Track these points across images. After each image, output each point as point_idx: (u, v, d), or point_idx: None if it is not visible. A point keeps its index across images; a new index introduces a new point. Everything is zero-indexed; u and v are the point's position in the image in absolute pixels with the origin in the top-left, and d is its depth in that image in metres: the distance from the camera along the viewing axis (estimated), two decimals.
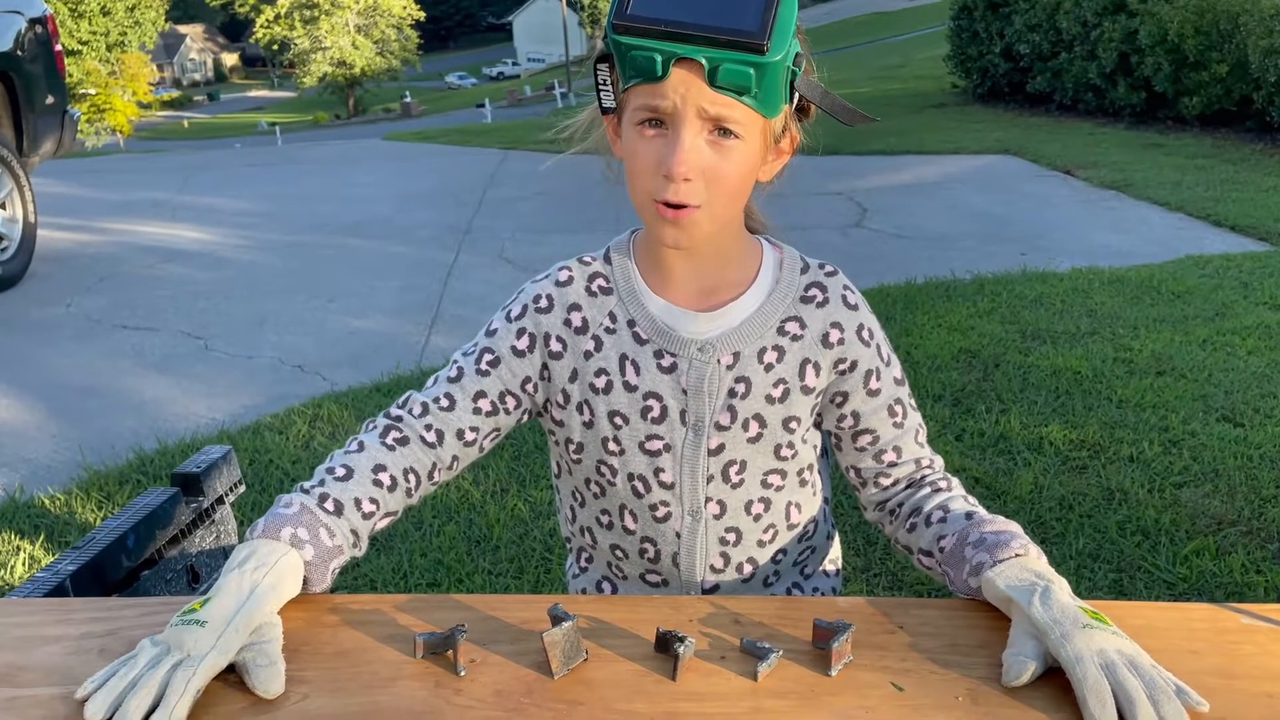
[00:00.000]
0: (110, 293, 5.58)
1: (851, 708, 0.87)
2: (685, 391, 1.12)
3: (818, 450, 1.22)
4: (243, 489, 1.45)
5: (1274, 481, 3.02)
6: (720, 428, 1.13)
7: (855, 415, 1.16)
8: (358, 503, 1.06)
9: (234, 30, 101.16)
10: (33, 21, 5.79)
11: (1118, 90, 10.70)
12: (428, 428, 1.14)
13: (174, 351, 4.63)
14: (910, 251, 6.01)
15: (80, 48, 46.28)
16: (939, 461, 1.19)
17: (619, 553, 1.22)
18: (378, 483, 1.09)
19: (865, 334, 1.14)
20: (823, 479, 1.26)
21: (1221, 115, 9.74)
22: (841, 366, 1.14)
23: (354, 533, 1.05)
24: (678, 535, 1.17)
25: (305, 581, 1.00)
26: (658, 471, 1.15)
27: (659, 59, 0.97)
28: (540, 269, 1.21)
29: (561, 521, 1.31)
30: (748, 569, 1.20)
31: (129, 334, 4.87)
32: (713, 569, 1.19)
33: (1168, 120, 10.31)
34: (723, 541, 1.18)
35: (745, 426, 1.13)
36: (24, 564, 2.85)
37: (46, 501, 3.20)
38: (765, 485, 1.17)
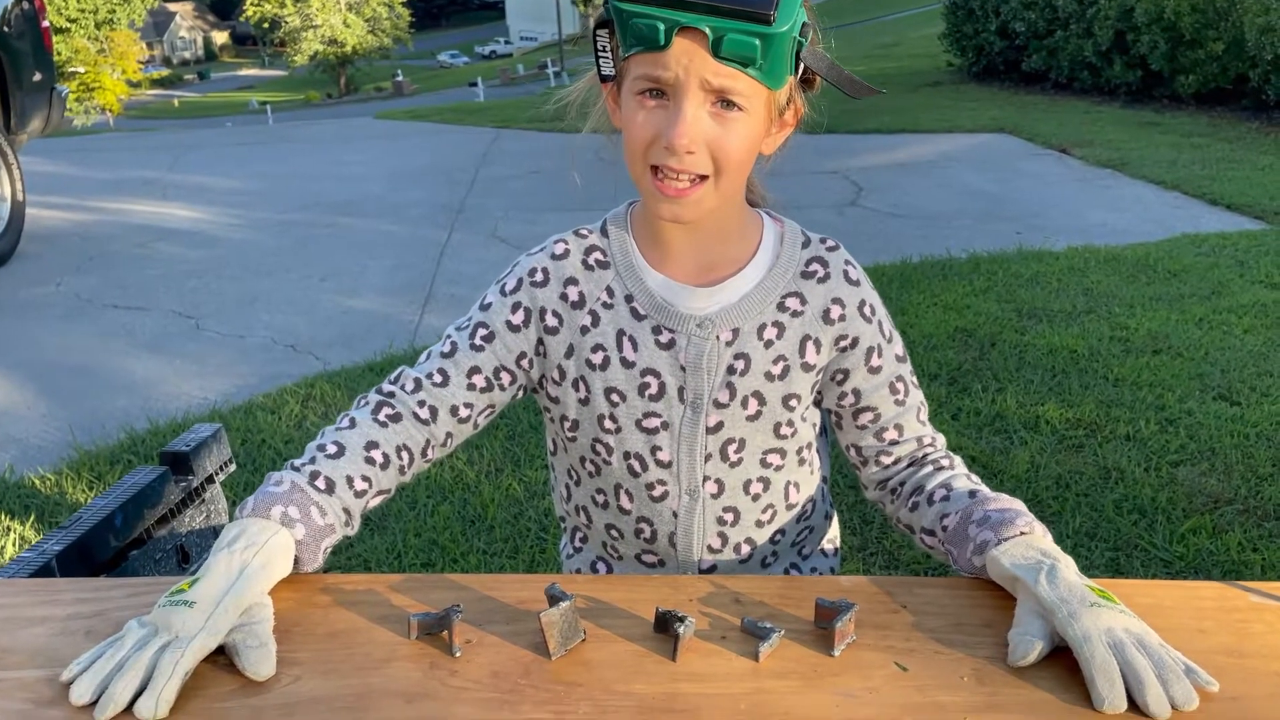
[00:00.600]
0: (100, 272, 5.54)
1: (855, 688, 0.85)
2: (684, 368, 1.10)
3: (817, 429, 1.20)
4: (233, 468, 1.43)
5: (1270, 460, 3.02)
6: (719, 405, 1.11)
7: (856, 393, 1.14)
8: (350, 480, 1.04)
9: (224, 8, 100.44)
10: None
11: (1113, 68, 10.65)
12: (421, 404, 1.12)
13: (165, 331, 4.60)
14: (906, 230, 5.98)
15: (68, 25, 45.86)
16: (941, 440, 1.18)
17: (614, 532, 1.20)
18: (370, 460, 1.06)
19: (867, 310, 1.12)
20: (821, 458, 1.24)
21: (1217, 93, 9.71)
22: (843, 343, 1.11)
23: (346, 511, 1.03)
24: (675, 515, 1.15)
25: (296, 561, 0.98)
26: (655, 450, 1.13)
27: (661, 27, 0.94)
28: (532, 248, 1.18)
29: (556, 500, 1.29)
30: (745, 549, 1.18)
31: (120, 313, 4.83)
32: (710, 549, 1.17)
33: (1164, 98, 10.27)
34: (720, 521, 1.16)
35: (744, 404, 1.11)
36: (14, 544, 2.83)
37: (36, 482, 3.17)
38: (764, 464, 1.15)
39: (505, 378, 1.14)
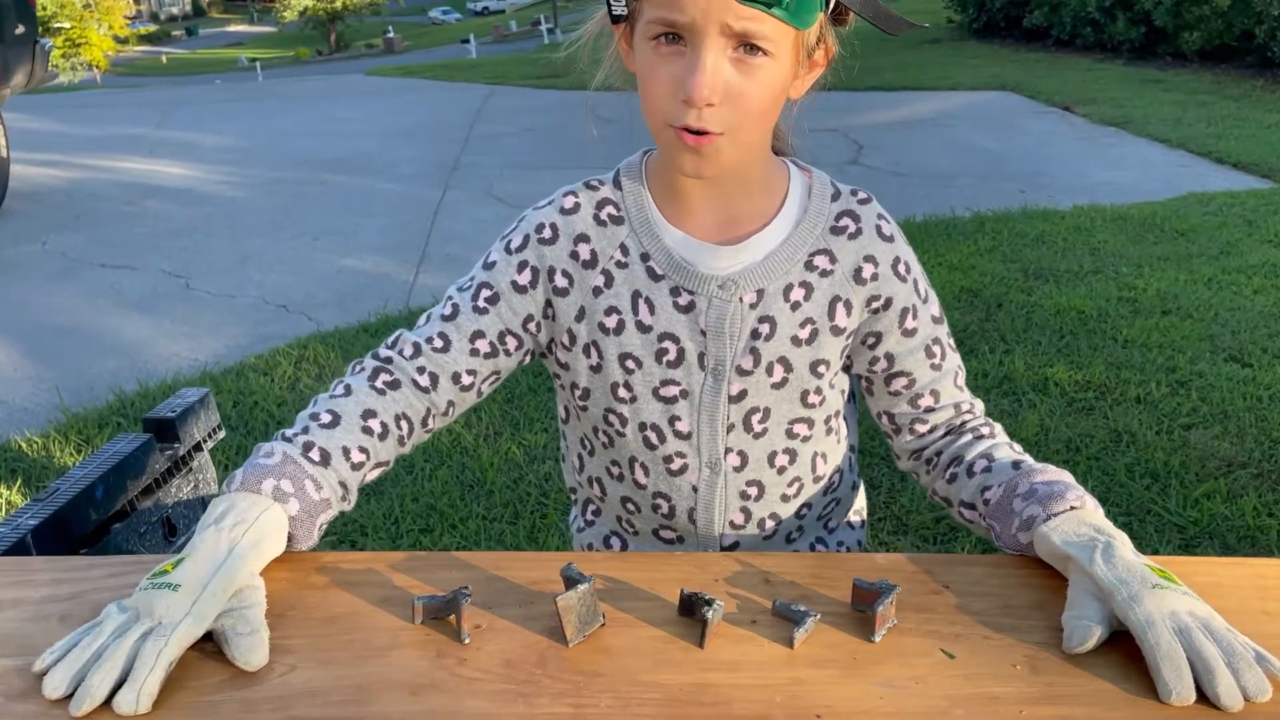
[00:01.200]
0: (88, 230, 5.43)
1: (899, 678, 0.79)
2: (704, 333, 1.02)
3: (845, 395, 1.13)
4: (222, 434, 1.36)
5: None
6: (742, 372, 1.03)
7: (889, 357, 1.06)
8: (346, 452, 0.96)
9: None
10: None
11: (1116, 25, 10.50)
12: (420, 370, 1.04)
13: (154, 291, 4.50)
14: (908, 189, 5.88)
15: None
16: (979, 405, 1.10)
17: (630, 506, 1.13)
18: (367, 430, 0.99)
19: (901, 268, 1.04)
20: (849, 426, 1.17)
21: (1222, 50, 9.57)
22: (875, 304, 1.04)
23: (342, 485, 0.96)
24: (694, 489, 1.08)
25: (290, 539, 0.91)
26: (673, 420, 1.05)
27: None
28: (530, 206, 1.09)
29: (567, 470, 1.22)
30: (770, 524, 1.11)
31: (107, 272, 4.74)
32: (732, 525, 1.10)
33: (1167, 56, 10.13)
34: (744, 496, 1.09)
35: (769, 371, 1.03)
36: (1, 510, 2.76)
37: (23, 445, 3.10)
38: (790, 435, 1.08)
39: (511, 342, 1.06)
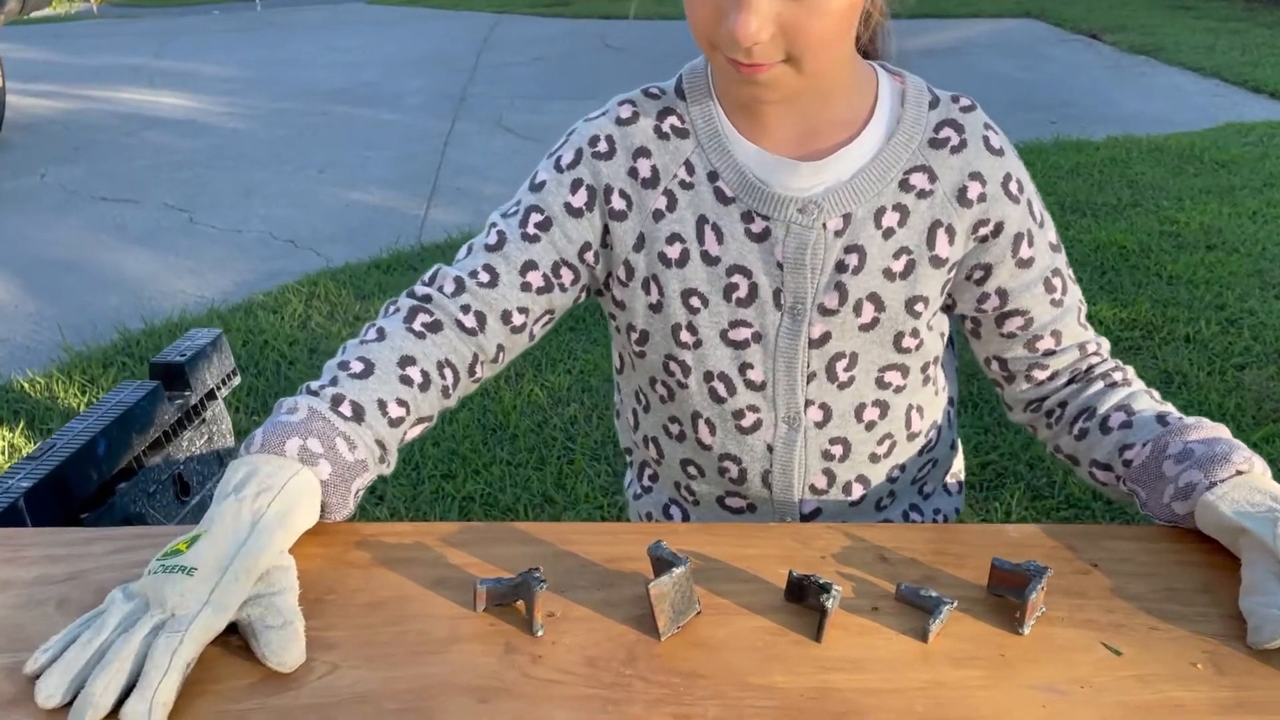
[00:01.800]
0: (87, 162, 5.25)
1: (1060, 680, 0.66)
2: (781, 265, 0.88)
3: (945, 339, 0.99)
4: (237, 380, 1.22)
5: None
6: (825, 311, 0.89)
7: (1002, 293, 0.92)
8: (382, 405, 0.83)
9: None
10: None
11: None
12: (465, 309, 0.89)
13: (157, 225, 4.34)
14: None
15: None
16: (1105, 345, 0.96)
17: (691, 470, 1.00)
18: (406, 379, 0.85)
19: (1014, 187, 0.90)
20: (948, 374, 1.03)
21: None
22: (983, 230, 0.89)
23: (380, 444, 0.82)
24: (769, 449, 0.95)
25: (322, 508, 0.78)
26: (744, 368, 0.92)
27: None
28: (543, 137, 0.95)
29: (621, 429, 1.08)
30: (857, 489, 0.98)
31: (109, 206, 4.57)
32: (813, 489, 0.97)
33: None
34: (826, 456, 0.95)
35: (857, 310, 0.89)
36: (3, 453, 2.64)
37: (25, 385, 2.97)
38: (881, 385, 0.94)
39: (566, 275, 0.92)
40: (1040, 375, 0.94)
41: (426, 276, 0.92)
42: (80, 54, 8.71)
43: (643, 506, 1.08)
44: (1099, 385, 0.92)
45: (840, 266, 0.88)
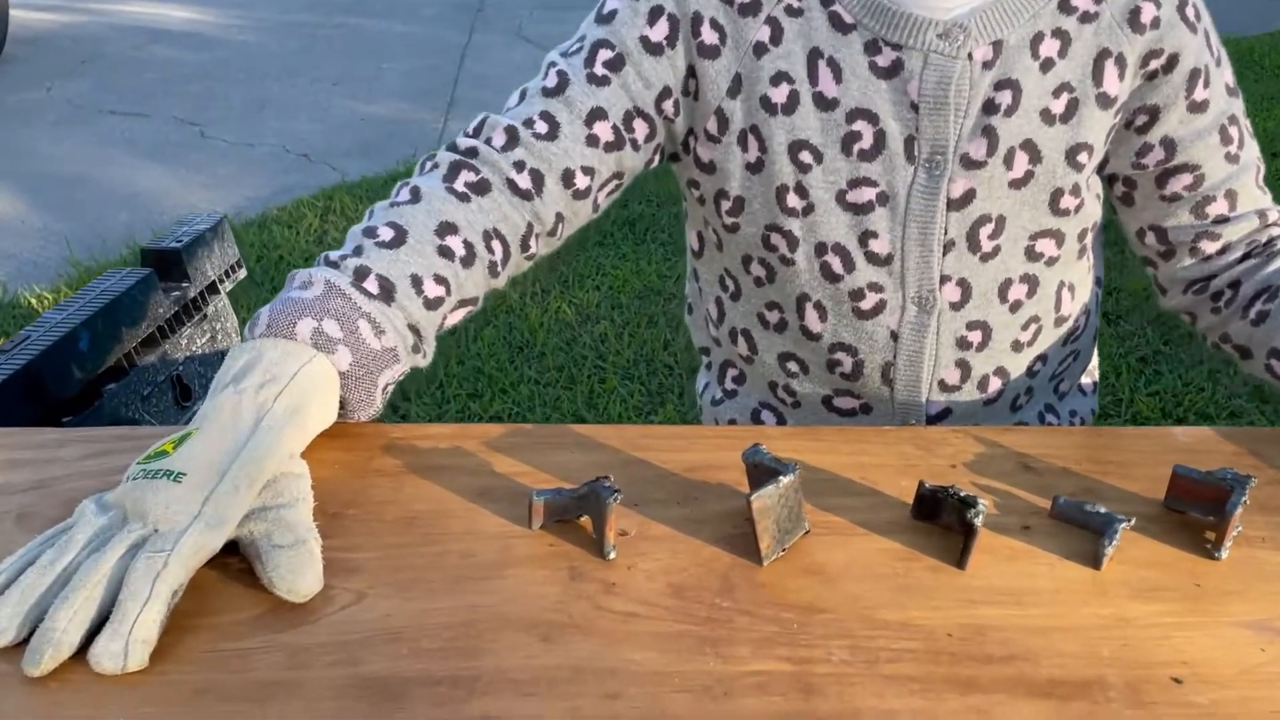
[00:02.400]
0: (94, 75, 5.07)
1: (1275, 617, 0.52)
2: (916, 107, 0.72)
3: (1101, 201, 0.83)
4: (243, 273, 1.08)
5: None
6: (969, 164, 0.74)
7: (1168, 144, 0.76)
8: (416, 282, 0.68)
9: None
10: None
11: None
12: (518, 166, 0.74)
13: (167, 139, 4.18)
14: None
15: None
16: None
17: (792, 366, 0.85)
18: (445, 251, 0.70)
19: (1190, 12, 0.74)
20: (1096, 250, 0.87)
21: None
22: (1154, 64, 0.73)
23: (413, 329, 0.68)
24: (893, 337, 0.80)
25: (341, 405, 0.64)
26: (866, 238, 0.76)
27: None
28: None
29: (696, 324, 0.94)
30: (994, 385, 0.83)
31: (117, 120, 4.41)
32: (942, 386, 0.82)
33: None
34: (962, 344, 0.80)
35: (1009, 161, 0.74)
36: None
37: (33, 301, 2.85)
38: (1031, 256, 0.78)
39: (640, 129, 0.76)
40: (1209, 248, 0.79)
41: (471, 127, 0.76)
42: None
43: (723, 414, 0.94)
44: None
45: (989, 107, 0.72)
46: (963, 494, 0.56)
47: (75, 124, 4.40)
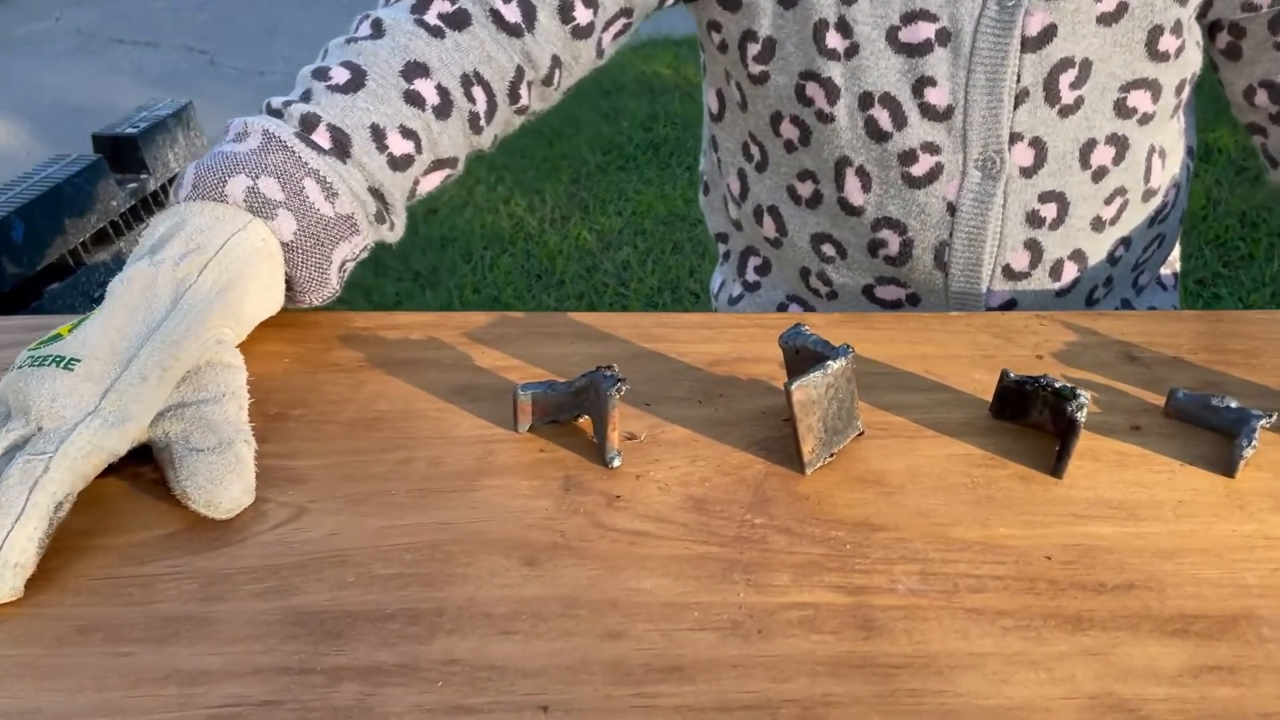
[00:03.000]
0: (102, 4, 4.95)
1: None
2: None
3: (1201, 49, 0.70)
4: None
5: None
6: None
7: None
8: (378, 134, 0.55)
9: None
10: None
11: None
12: None
13: (177, 68, 4.07)
14: None
15: None
16: None
17: (828, 249, 0.72)
18: (414, 98, 0.57)
19: None
20: (1190, 111, 0.74)
21: None
22: None
23: (375, 192, 0.56)
24: (950, 210, 0.66)
25: (288, 285, 0.53)
26: (921, 86, 0.63)
27: None
28: None
29: (712, 206, 0.81)
30: (1069, 271, 0.70)
31: (126, 49, 4.31)
32: (1008, 272, 0.69)
33: None
34: (1033, 220, 0.67)
35: None
36: None
37: None
38: (1123, 110, 0.65)
39: None
40: None
41: None
42: None
43: (743, 311, 0.81)
44: None
45: None
46: (1058, 384, 0.44)
47: (83, 54, 4.29)
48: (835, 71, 0.63)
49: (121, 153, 0.83)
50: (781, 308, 0.78)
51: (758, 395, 0.49)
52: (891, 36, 0.62)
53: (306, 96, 0.54)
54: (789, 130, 0.68)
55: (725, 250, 0.82)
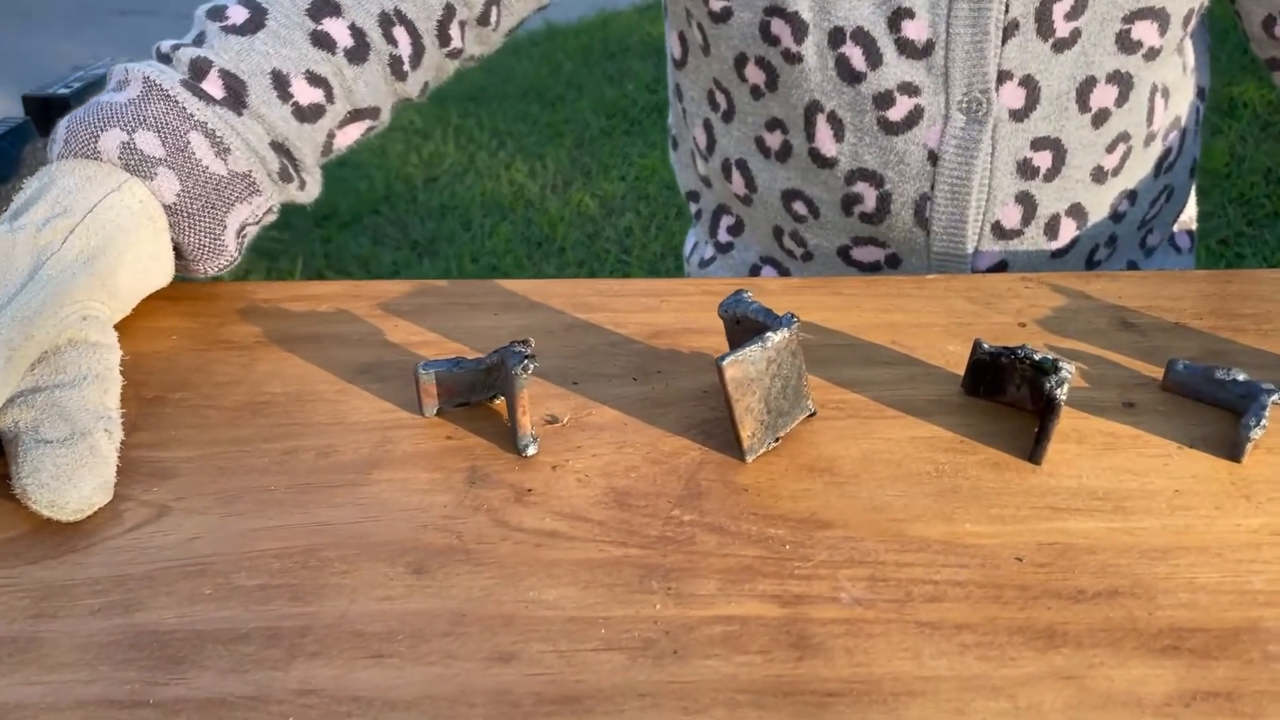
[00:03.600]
0: None
1: None
2: None
3: None
4: None
5: None
6: None
7: None
8: (280, 81, 0.50)
9: None
10: None
11: None
12: None
13: (179, 38, 4.02)
14: None
15: None
16: None
17: (799, 206, 0.65)
18: (323, 40, 0.51)
19: None
20: (1200, 43, 0.67)
21: None
22: None
23: (280, 148, 0.50)
24: (932, 158, 0.59)
25: (179, 253, 0.47)
26: (898, 19, 0.56)
27: None
28: None
29: (681, 161, 0.75)
30: (1067, 229, 0.63)
31: (127, 20, 4.27)
32: (997, 230, 0.62)
33: None
34: (1025, 170, 0.60)
35: None
36: None
37: None
38: (1126, 44, 0.58)
39: None
40: None
41: None
42: None
43: (714, 273, 0.75)
44: None
45: None
46: (1037, 355, 0.38)
47: (85, 25, 4.26)
48: (803, 5, 0.57)
49: (52, 115, 0.78)
50: (755, 270, 0.71)
51: (701, 371, 0.43)
52: None
53: (200, 39, 0.49)
54: (754, 74, 0.61)
55: (697, 209, 0.75)
